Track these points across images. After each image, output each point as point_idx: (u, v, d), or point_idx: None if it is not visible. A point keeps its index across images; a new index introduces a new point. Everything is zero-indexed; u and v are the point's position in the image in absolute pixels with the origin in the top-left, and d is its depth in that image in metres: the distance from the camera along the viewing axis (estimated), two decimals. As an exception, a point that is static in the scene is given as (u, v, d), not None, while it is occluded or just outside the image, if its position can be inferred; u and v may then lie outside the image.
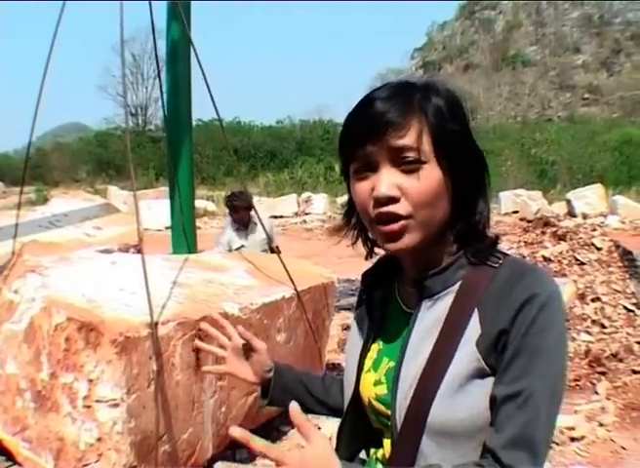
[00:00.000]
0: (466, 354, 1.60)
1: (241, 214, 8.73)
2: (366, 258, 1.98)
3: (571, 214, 23.87)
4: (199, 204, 22.46)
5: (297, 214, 28.87)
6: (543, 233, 10.97)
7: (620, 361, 7.50)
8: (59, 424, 4.31)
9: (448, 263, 1.73)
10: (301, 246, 17.85)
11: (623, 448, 5.83)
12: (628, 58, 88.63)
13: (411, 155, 1.60)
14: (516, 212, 25.93)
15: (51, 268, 5.02)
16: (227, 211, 9.26)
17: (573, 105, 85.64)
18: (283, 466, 1.37)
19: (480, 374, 1.60)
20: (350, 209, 1.88)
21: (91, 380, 4.14)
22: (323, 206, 29.12)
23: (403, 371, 1.70)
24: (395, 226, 1.62)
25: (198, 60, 5.96)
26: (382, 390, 1.80)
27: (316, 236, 22.70)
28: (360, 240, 1.92)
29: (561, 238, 10.38)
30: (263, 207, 27.03)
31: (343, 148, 1.72)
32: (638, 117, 65.38)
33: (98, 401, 4.14)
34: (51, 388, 4.34)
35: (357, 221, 1.88)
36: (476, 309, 1.63)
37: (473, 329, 1.62)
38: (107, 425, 4.12)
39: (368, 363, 1.90)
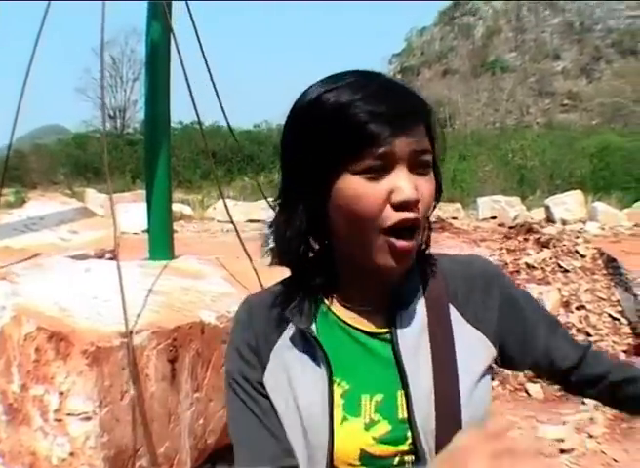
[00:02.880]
0: (471, 349, 1.59)
1: None
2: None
3: (550, 219, 23.90)
4: (176, 207, 22.38)
5: (273, 218, 28.65)
6: (526, 240, 10.90)
7: (608, 370, 7.43)
8: (30, 438, 4.16)
9: (411, 274, 1.63)
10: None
11: (615, 461, 5.76)
12: (608, 65, 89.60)
13: (427, 157, 1.48)
14: (494, 217, 25.93)
15: (23, 275, 4.90)
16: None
17: (551, 112, 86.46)
18: None
19: (490, 361, 1.64)
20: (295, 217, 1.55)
21: (62, 393, 4.00)
22: (299, 210, 28.89)
23: (414, 394, 1.52)
24: (413, 242, 1.50)
25: (181, 61, 5.86)
26: (383, 428, 1.53)
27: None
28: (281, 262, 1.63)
29: (544, 245, 10.32)
30: (240, 211, 26.99)
31: (357, 141, 1.42)
32: (617, 124, 66.01)
33: (69, 414, 3.99)
34: (22, 401, 4.19)
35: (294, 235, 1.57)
36: (450, 305, 1.62)
37: (459, 324, 1.60)
38: (80, 440, 3.97)
39: (337, 412, 1.55)
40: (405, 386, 1.53)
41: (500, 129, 70.26)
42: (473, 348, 1.58)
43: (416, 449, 1.51)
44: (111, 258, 5.96)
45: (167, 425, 4.56)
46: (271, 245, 1.65)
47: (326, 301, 1.65)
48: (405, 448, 1.52)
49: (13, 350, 4.21)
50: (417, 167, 1.46)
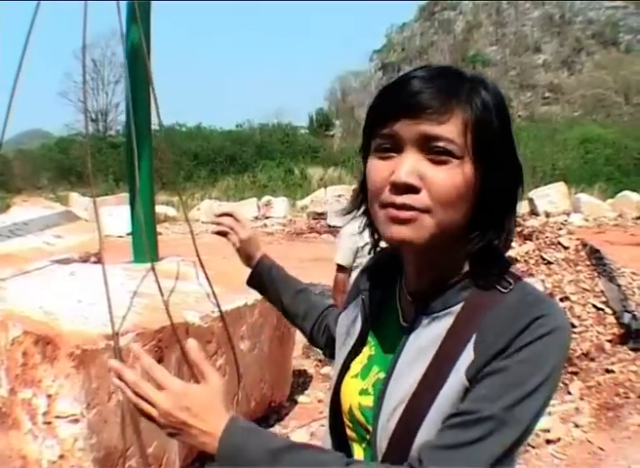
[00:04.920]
0: (455, 381, 1.42)
1: None
2: (369, 252, 1.89)
3: (533, 212, 23.90)
4: (160, 209, 22.27)
5: (257, 217, 28.57)
6: (509, 233, 10.94)
7: (592, 360, 7.45)
8: (20, 442, 4.18)
9: (452, 282, 1.55)
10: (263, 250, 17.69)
11: (601, 449, 5.78)
12: (589, 57, 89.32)
13: (444, 145, 1.41)
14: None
15: (8, 281, 4.92)
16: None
17: (533, 104, 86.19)
18: (163, 390, 1.43)
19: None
20: (363, 192, 1.63)
21: (50, 395, 4.03)
22: (283, 209, 28.87)
23: (390, 390, 1.55)
24: (406, 214, 1.42)
25: (148, 68, 5.88)
26: (368, 402, 1.62)
27: (277, 240, 22.52)
28: (367, 231, 1.72)
29: (527, 237, 10.30)
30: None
31: (370, 120, 1.53)
32: (599, 115, 65.96)
33: (57, 416, 4.03)
34: (11, 404, 4.21)
35: (367, 208, 1.63)
36: (474, 335, 1.44)
37: (467, 355, 1.43)
38: (69, 442, 4.00)
39: (356, 367, 1.73)
40: (387, 380, 1.58)
41: (483, 123, 70.22)
42: (459, 384, 1.43)
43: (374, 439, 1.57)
44: (96, 262, 5.97)
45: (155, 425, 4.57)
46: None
47: (402, 279, 1.73)
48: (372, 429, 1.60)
49: (0, 355, 4.23)
50: (428, 153, 1.43)
